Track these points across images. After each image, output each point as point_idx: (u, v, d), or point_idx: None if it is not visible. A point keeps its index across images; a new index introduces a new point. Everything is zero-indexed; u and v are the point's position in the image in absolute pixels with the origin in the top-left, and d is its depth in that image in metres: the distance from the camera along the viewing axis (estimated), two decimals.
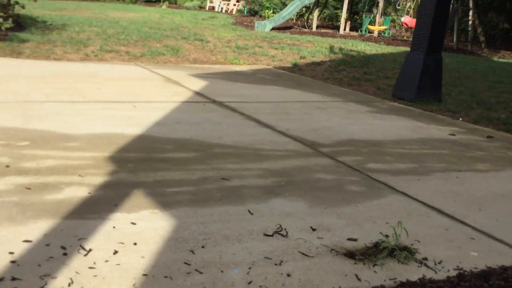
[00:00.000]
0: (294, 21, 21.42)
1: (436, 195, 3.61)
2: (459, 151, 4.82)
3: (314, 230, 2.87)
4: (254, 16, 24.62)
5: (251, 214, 3.03)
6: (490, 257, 2.71)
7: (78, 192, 3.11)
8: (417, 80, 7.10)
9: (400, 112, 6.54)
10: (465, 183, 3.92)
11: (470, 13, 16.69)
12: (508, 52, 17.19)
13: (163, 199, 3.13)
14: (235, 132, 4.86)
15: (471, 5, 16.40)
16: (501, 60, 14.32)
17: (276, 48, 12.27)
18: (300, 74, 9.36)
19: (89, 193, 3.11)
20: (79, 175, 3.37)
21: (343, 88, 8.19)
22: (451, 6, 16.24)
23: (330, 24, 23.43)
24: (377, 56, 12.20)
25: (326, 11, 23.50)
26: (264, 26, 17.51)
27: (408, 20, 16.75)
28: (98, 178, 3.35)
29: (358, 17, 20.84)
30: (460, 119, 6.37)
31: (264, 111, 5.87)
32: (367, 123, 5.75)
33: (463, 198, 3.60)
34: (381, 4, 18.54)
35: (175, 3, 29.16)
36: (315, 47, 12.98)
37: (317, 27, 20.06)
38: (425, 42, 7.03)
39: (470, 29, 16.81)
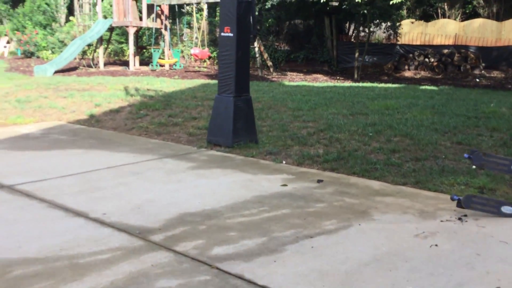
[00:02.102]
0: (79, 60, 19.97)
1: (301, 280, 3.11)
2: (299, 208, 4.45)
3: None
4: (30, 58, 22.43)
5: None
6: None
7: None
8: (231, 124, 6.72)
9: (222, 163, 6.05)
10: (323, 254, 3.51)
11: (256, 39, 17.34)
12: (294, 74, 18.29)
13: None
14: (39, 233, 3.80)
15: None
16: (292, 84, 15.03)
17: (65, 97, 11.01)
18: (100, 128, 8.36)
19: None
20: None
21: (152, 140, 7.44)
22: None
23: (117, 60, 22.44)
24: (176, 94, 11.72)
25: (110, 46, 22.46)
26: (45, 70, 15.84)
27: (198, 51, 16.72)
28: None
29: (146, 51, 20.27)
30: (284, 162, 6.12)
31: (70, 190, 4.85)
32: (193, 185, 5.11)
33: (331, 278, 3.16)
34: (167, 37, 18.24)
35: None
36: (108, 91, 12.00)
37: (105, 64, 18.97)
38: (232, 83, 6.70)
39: (257, 55, 17.45)
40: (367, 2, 15.25)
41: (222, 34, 6.72)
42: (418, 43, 22.79)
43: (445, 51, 19.85)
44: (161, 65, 18.25)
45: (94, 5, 22.75)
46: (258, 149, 6.69)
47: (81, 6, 22.26)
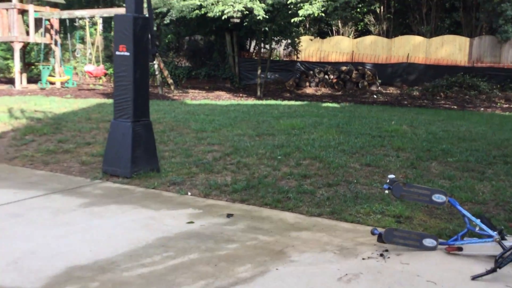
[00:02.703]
0: None
1: None
2: (209, 251, 3.94)
3: None
4: None
5: None
6: None
7: None
8: (129, 152, 6.08)
9: (120, 197, 5.39)
10: None
11: (155, 57, 16.63)
12: (196, 91, 17.79)
13: None
14: None
15: None
16: (194, 102, 14.52)
17: None
18: None
19: None
20: None
21: (38, 171, 6.57)
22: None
23: (2, 77, 20.65)
24: (68, 116, 10.77)
25: None
26: None
27: (92, 68, 15.70)
28: None
29: (34, 68, 18.82)
30: (189, 193, 5.58)
31: None
32: (84, 228, 4.42)
33: None
34: (57, 53, 17.02)
35: None
36: None
37: None
38: (130, 107, 6.07)
39: (157, 72, 16.74)
40: (268, 19, 15.16)
41: (117, 53, 6.09)
42: (315, 59, 23.29)
43: (344, 68, 20.36)
44: (52, 83, 16.97)
45: None
46: (160, 178, 6.10)
47: None
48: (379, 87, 19.82)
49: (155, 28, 18.38)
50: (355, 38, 26.48)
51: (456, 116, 12.17)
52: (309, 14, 14.24)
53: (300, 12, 14.33)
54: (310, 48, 23.78)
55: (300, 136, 8.80)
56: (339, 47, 24.80)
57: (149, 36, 6.26)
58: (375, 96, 18.06)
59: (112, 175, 6.21)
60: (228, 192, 5.58)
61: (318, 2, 14.16)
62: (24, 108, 11.61)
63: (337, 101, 16.25)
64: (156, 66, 16.66)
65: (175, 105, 13.27)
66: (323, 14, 14.64)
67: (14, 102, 12.83)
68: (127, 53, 6.00)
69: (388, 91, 19.55)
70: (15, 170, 6.64)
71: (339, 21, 26.99)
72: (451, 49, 23.04)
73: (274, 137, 8.68)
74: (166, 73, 17.39)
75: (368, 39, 25.23)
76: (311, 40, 24.48)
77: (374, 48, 24.19)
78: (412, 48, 23.37)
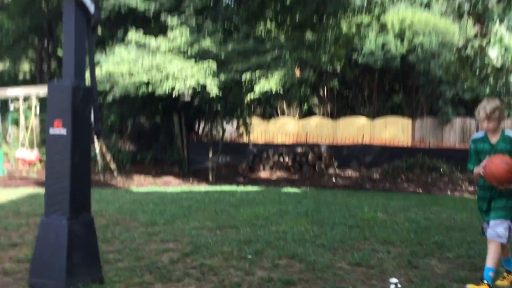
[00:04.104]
0: None
1: None
2: None
3: None
4: None
5: None
6: None
7: None
8: (64, 260, 4.71)
9: None
10: None
11: (95, 139, 15.32)
12: (142, 177, 16.46)
13: None
14: None
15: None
16: (141, 190, 13.18)
17: None
18: None
19: None
20: None
21: None
22: None
23: None
24: None
25: None
26: None
27: (25, 154, 14.16)
28: None
29: None
30: None
31: None
32: None
33: None
34: None
35: None
36: None
37: None
38: (66, 201, 4.78)
39: (99, 157, 15.37)
40: (220, 97, 14.33)
41: (52, 130, 4.85)
42: (262, 141, 22.75)
43: (299, 150, 19.69)
44: None
45: None
46: None
47: None
48: (337, 170, 19.18)
49: None
50: (300, 119, 26.40)
51: (429, 201, 11.46)
52: (266, 91, 13.55)
53: (257, 89, 13.62)
54: (255, 130, 23.26)
55: (267, 227, 7.67)
56: (285, 129, 24.55)
57: (92, 110, 5.13)
58: (334, 180, 17.34)
59: None
60: None
61: (275, 76, 13.50)
62: None
63: (295, 185, 15.33)
64: (97, 150, 15.32)
65: (119, 194, 11.88)
66: (281, 90, 13.97)
67: None
68: (63, 131, 4.79)
69: (347, 174, 18.93)
70: None
71: (284, 102, 26.90)
72: (394, 131, 23.18)
73: (237, 230, 7.50)
74: (108, 157, 16.04)
75: (314, 120, 25.20)
76: (265, 120, 24.15)
77: (320, 130, 24.07)
78: (357, 129, 23.38)
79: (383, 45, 22.99)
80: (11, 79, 25.40)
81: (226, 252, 6.17)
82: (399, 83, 25.91)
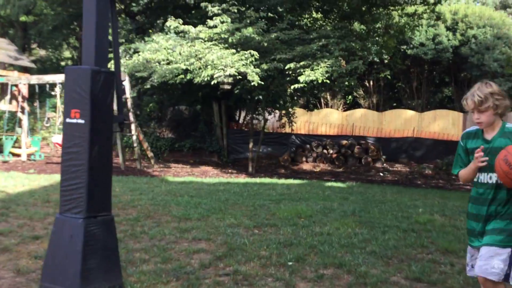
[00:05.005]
0: None
1: None
2: None
3: None
4: None
5: None
6: None
7: None
8: (79, 263, 4.12)
9: None
10: None
11: (133, 126, 14.89)
12: (180, 166, 15.97)
13: None
14: None
15: (131, 118, 14.62)
16: (177, 179, 12.64)
17: None
18: None
19: None
20: None
21: None
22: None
23: None
24: (23, 196, 8.82)
25: None
26: None
27: (61, 139, 13.88)
28: None
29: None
30: None
31: None
32: None
33: None
34: (24, 122, 15.24)
35: None
36: None
37: None
38: (83, 197, 4.19)
39: (135, 145, 14.93)
40: (262, 86, 13.63)
41: (68, 120, 4.27)
42: (304, 132, 22.05)
43: (344, 142, 18.79)
44: (16, 155, 15.07)
45: None
46: None
47: None
48: (385, 164, 18.18)
49: (134, 94, 16.79)
50: (344, 111, 25.59)
51: None
52: (311, 81, 12.74)
53: (301, 78, 12.83)
54: (298, 120, 22.56)
55: (310, 228, 6.94)
56: (329, 120, 23.68)
57: (115, 98, 4.52)
58: (381, 174, 16.38)
59: None
60: None
61: (321, 67, 12.71)
62: None
63: (340, 179, 14.48)
64: (134, 137, 14.88)
65: (154, 183, 11.36)
66: (327, 81, 13.15)
67: None
68: (81, 121, 4.19)
69: (396, 168, 17.91)
70: None
71: (328, 94, 26.17)
72: (444, 124, 22.02)
73: (277, 230, 6.80)
74: (145, 145, 15.59)
75: (359, 112, 24.30)
76: (308, 111, 23.47)
77: (365, 121, 23.13)
78: (404, 121, 22.37)
79: (434, 37, 22.50)
80: (53, 66, 25.44)
81: (264, 256, 5.49)
82: (450, 76, 25.16)
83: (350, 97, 27.73)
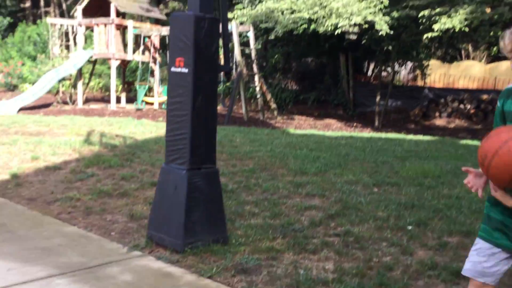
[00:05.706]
0: (62, 94, 17.61)
1: None
2: None
3: None
4: (13, 91, 20.30)
5: None
6: None
7: None
8: (183, 215, 4.06)
9: None
10: None
11: (256, 78, 14.82)
12: (303, 118, 15.71)
13: None
14: None
15: (255, 69, 14.52)
16: (298, 132, 12.40)
17: (3, 143, 8.51)
18: (14, 196, 5.73)
19: None
20: None
21: (69, 228, 4.77)
22: (234, 70, 14.23)
23: (107, 96, 20.10)
24: (149, 143, 9.15)
25: (100, 80, 20.18)
26: (9, 106, 13.43)
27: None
28: None
29: (133, 88, 17.93)
30: None
31: None
32: None
33: None
34: (156, 72, 15.87)
35: None
36: (66, 136, 9.52)
37: (87, 100, 16.60)
38: (187, 148, 4.07)
39: (259, 96, 14.89)
40: (392, 36, 12.67)
41: (173, 69, 4.13)
42: (440, 85, 20.34)
43: (485, 96, 17.13)
44: (149, 104, 15.84)
45: (89, 36, 20.64)
46: (225, 258, 3.99)
47: (75, 38, 20.05)
48: None
49: (259, 46, 16.61)
50: (487, 63, 23.16)
51: None
52: (448, 29, 11.53)
53: (436, 27, 11.65)
54: (434, 73, 20.89)
55: (436, 189, 6.31)
56: (469, 73, 21.62)
57: (222, 46, 4.29)
58: None
59: (158, 244, 4.22)
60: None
61: (460, 14, 11.39)
62: (105, 131, 10.25)
63: (477, 137, 13.24)
64: (258, 88, 14.82)
65: (275, 135, 11.23)
66: (466, 29, 11.81)
67: (99, 124, 11.59)
68: (184, 70, 4.02)
69: None
70: (41, 222, 4.88)
71: (469, 45, 23.91)
72: None
73: (398, 189, 6.28)
74: (269, 96, 15.49)
75: (504, 64, 21.79)
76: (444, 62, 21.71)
77: (511, 75, 20.73)
78: None
79: None
80: None
81: (381, 218, 5.06)
82: None
83: (495, 48, 25.14)
